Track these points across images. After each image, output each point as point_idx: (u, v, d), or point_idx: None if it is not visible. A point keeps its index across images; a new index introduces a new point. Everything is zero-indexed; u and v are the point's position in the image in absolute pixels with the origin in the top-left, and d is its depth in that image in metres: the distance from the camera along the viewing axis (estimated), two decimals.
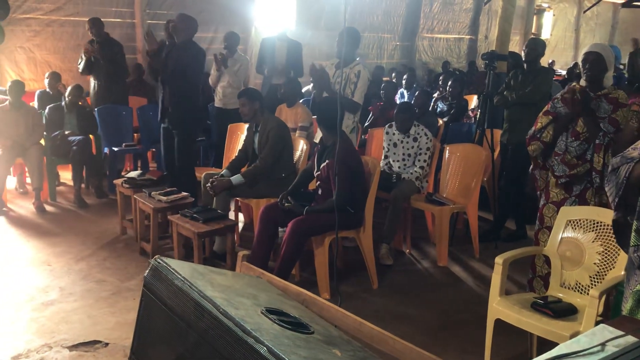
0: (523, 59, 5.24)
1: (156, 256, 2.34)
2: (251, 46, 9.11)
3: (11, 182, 6.24)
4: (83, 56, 6.70)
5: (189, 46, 5.01)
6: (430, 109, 6.90)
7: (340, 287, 3.82)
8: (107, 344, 3.22)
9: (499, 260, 3.03)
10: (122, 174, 6.01)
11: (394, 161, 5.01)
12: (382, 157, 5.09)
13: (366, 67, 4.85)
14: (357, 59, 5.03)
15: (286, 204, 4.06)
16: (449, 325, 3.68)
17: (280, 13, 9.56)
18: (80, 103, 6.43)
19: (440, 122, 6.51)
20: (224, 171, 4.71)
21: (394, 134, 5.02)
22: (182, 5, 8.06)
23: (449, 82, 7.41)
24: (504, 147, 5.25)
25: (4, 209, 5.60)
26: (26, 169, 6.12)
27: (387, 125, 5.14)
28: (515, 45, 12.50)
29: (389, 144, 5.06)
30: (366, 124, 6.73)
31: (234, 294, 2.23)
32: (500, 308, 2.94)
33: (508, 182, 5.21)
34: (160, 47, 5.14)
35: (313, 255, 3.95)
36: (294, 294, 2.55)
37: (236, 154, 4.99)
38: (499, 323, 2.97)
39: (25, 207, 5.78)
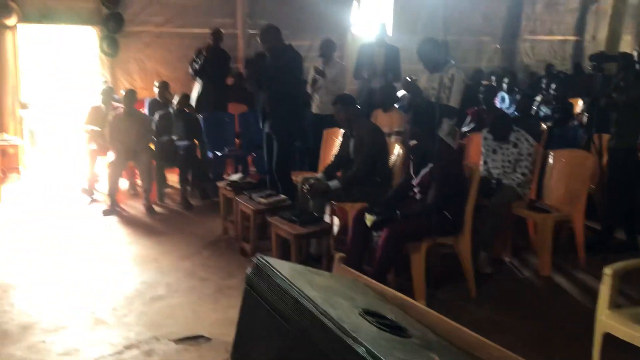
0: (636, 60, 4.93)
1: (258, 254, 2.42)
2: (347, 52, 9.19)
3: (123, 184, 6.67)
4: (197, 59, 7.06)
5: (284, 52, 5.13)
6: (532, 113, 6.65)
7: (436, 295, 3.77)
8: (209, 339, 3.37)
9: (607, 270, 2.87)
10: (224, 177, 6.28)
11: (493, 168, 4.87)
12: (481, 163, 4.97)
13: (460, 70, 4.77)
14: (452, 62, 4.96)
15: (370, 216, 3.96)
16: (552, 337, 3.53)
17: (377, 18, 9.59)
18: (186, 110, 6.78)
19: (544, 126, 6.26)
20: (319, 175, 4.79)
21: (493, 140, 4.89)
22: (281, 15, 8.29)
23: (553, 85, 7.11)
24: (613, 152, 4.96)
25: (117, 209, 6.00)
26: (137, 172, 6.53)
27: (484, 130, 5.01)
28: (627, 45, 11.77)
29: (487, 150, 4.92)
30: (464, 129, 6.60)
31: (332, 294, 2.26)
32: (610, 322, 2.79)
33: (617, 189, 4.91)
34: (257, 55, 5.32)
35: (409, 261, 3.93)
36: (391, 297, 2.54)
37: (332, 159, 5.05)
38: (608, 338, 2.81)
39: (135, 208, 6.17)
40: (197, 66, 7.14)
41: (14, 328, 3.48)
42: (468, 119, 6.75)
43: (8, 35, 7.49)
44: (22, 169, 7.57)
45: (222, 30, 7.40)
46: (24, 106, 7.83)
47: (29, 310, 3.72)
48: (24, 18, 7.54)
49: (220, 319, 3.63)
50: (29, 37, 8.22)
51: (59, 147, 8.83)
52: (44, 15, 7.67)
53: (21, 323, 3.55)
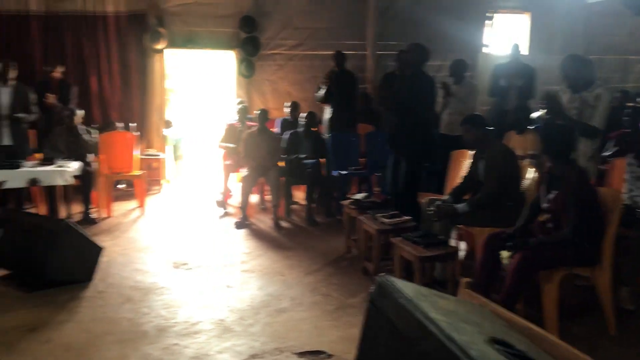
0: None
1: (381, 274, 2.41)
2: (479, 72, 8.97)
3: (254, 199, 6.97)
4: (322, 86, 7.26)
5: (419, 76, 5.12)
6: None
7: (570, 328, 3.52)
8: (330, 356, 3.39)
9: None
10: (349, 196, 6.34)
11: (638, 196, 4.49)
12: (626, 190, 4.60)
13: (609, 90, 4.47)
14: (597, 82, 4.66)
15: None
16: None
17: (511, 37, 9.29)
18: (314, 129, 6.97)
19: None
20: (446, 197, 4.68)
21: (638, 166, 4.51)
22: (411, 36, 8.29)
23: None
24: None
25: (247, 222, 6.27)
26: (267, 188, 6.79)
27: (630, 156, 4.63)
28: None
29: (632, 177, 4.54)
30: (606, 153, 6.14)
31: (458, 319, 2.20)
32: None
33: None
34: (388, 77, 5.35)
35: (540, 290, 3.71)
36: (520, 327, 2.41)
37: (460, 181, 4.93)
38: None
39: (264, 222, 6.41)
40: (322, 93, 7.30)
41: (151, 330, 3.74)
42: (611, 143, 6.29)
43: (157, 58, 8.18)
44: (164, 182, 8.19)
45: (345, 52, 7.53)
46: (167, 124, 8.48)
47: (164, 314, 3.98)
48: (171, 43, 8.20)
49: (341, 336, 3.65)
50: (174, 61, 8.93)
51: (197, 162, 9.46)
52: (189, 41, 8.30)
53: (158, 325, 3.80)
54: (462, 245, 5.28)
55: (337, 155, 7.02)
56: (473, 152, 4.79)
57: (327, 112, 7.46)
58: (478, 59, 9.18)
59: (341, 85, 7.25)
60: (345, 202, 5.48)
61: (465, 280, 2.80)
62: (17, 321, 3.80)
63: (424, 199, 4.93)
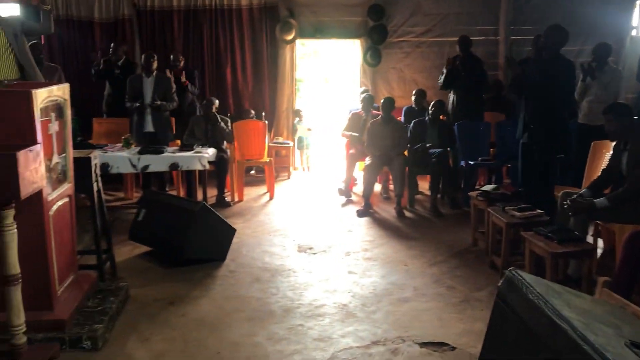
0: None
1: (511, 268, 2.32)
2: (625, 57, 8.27)
3: (377, 187, 6.98)
4: (444, 70, 7.06)
5: (557, 59, 4.83)
6: None
7: None
8: (454, 348, 3.33)
9: None
10: (477, 187, 6.16)
11: None
12: None
13: None
14: None
15: None
16: None
17: None
18: (441, 117, 6.82)
19: None
20: (583, 191, 4.39)
21: None
22: (547, 20, 7.82)
23: None
24: None
25: (370, 210, 6.30)
26: (390, 177, 6.77)
27: None
28: None
29: None
30: None
31: (593, 319, 2.06)
32: None
33: None
34: (522, 62, 5.09)
35: None
36: None
37: (599, 174, 4.59)
38: None
39: (387, 211, 6.41)
40: (442, 80, 7.09)
41: (278, 309, 3.89)
42: None
43: (287, 49, 8.42)
44: (291, 169, 8.45)
45: (470, 37, 7.24)
46: (296, 113, 8.72)
47: (290, 295, 4.13)
48: (301, 34, 8.40)
49: (466, 329, 3.57)
50: (302, 50, 9.14)
51: (323, 150, 9.64)
52: (318, 30, 8.45)
53: (284, 306, 3.95)
54: (600, 243, 4.95)
55: (465, 145, 6.82)
56: (615, 143, 4.44)
57: (450, 99, 7.25)
58: (625, 43, 8.45)
59: (466, 71, 7.00)
60: (473, 194, 5.32)
61: (604, 279, 2.61)
62: (158, 294, 4.12)
63: (560, 192, 4.66)
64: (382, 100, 6.84)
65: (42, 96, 3.24)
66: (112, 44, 7.43)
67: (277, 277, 4.49)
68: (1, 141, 3.04)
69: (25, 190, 2.77)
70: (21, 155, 2.72)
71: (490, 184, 5.65)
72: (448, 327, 3.61)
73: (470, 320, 3.69)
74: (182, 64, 7.36)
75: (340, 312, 3.84)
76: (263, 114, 8.10)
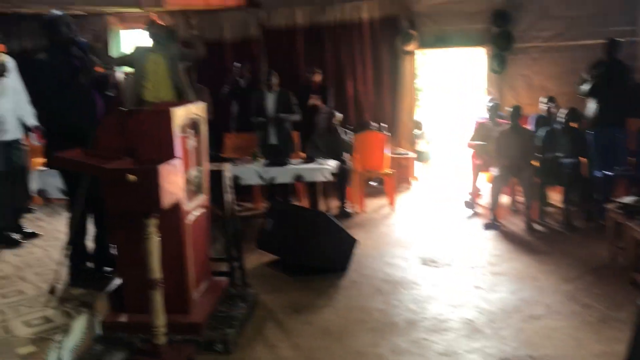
0: None
1: None
2: None
3: (504, 199, 6.71)
4: (587, 78, 6.63)
5: None
6: None
7: None
8: None
9: None
10: (614, 199, 5.71)
11: None
12: None
13: None
14: None
15: None
16: None
17: None
18: (574, 125, 6.44)
19: None
20: None
21: None
22: None
23: None
24: None
25: (497, 223, 6.07)
26: (518, 189, 6.48)
27: None
28: None
29: None
30: None
31: None
32: None
33: None
34: None
35: None
36: None
37: None
38: None
39: (515, 224, 6.14)
40: (586, 87, 6.66)
41: (401, 322, 3.86)
42: None
43: (407, 60, 8.39)
44: (412, 180, 8.37)
45: (620, 40, 6.75)
46: (417, 124, 8.64)
47: (413, 308, 4.08)
48: (422, 44, 8.33)
49: (603, 351, 3.33)
50: (423, 60, 9.05)
51: (446, 161, 9.46)
52: (439, 40, 8.33)
53: (407, 318, 3.91)
54: None
55: (601, 154, 6.36)
56: None
57: (592, 107, 6.80)
58: None
59: (611, 77, 6.54)
60: (610, 206, 4.96)
61: None
62: (284, 301, 4.25)
63: None
64: (510, 109, 6.58)
65: (181, 114, 3.49)
66: (237, 64, 7.85)
67: (399, 289, 4.46)
68: (145, 156, 3.32)
69: (166, 201, 3.00)
70: (162, 168, 2.95)
71: (630, 196, 5.23)
72: (584, 348, 3.38)
73: (608, 341, 3.44)
74: (317, 77, 7.57)
75: (466, 328, 3.74)
76: (384, 125, 8.11)
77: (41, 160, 5.91)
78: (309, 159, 6.40)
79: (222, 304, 3.92)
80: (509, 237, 5.77)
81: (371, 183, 8.26)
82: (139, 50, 5.67)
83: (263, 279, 4.71)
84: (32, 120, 4.93)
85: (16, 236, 4.89)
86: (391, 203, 7.10)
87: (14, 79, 4.81)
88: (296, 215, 5.09)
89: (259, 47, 8.54)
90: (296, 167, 6.14)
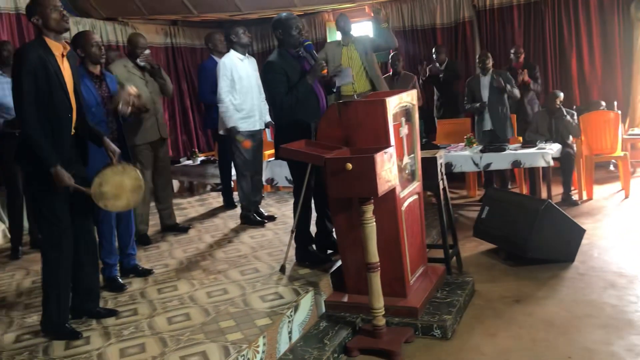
0: None
1: None
2: None
3: None
4: None
5: None
6: None
7: None
8: None
9: None
10: None
11: None
12: None
13: None
14: None
15: None
16: None
17: None
18: None
19: None
20: None
21: None
22: None
23: None
24: None
25: None
26: None
27: None
28: None
29: None
30: None
31: None
32: None
33: None
34: None
35: None
36: None
37: None
38: None
39: None
40: None
41: (638, 320, 3.48)
42: None
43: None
44: None
45: None
46: None
47: None
48: None
49: None
50: None
51: None
52: None
53: None
54: None
55: None
56: None
57: None
58: None
59: None
60: None
61: None
62: (504, 291, 4.11)
63: None
64: None
65: (394, 103, 3.57)
66: (434, 49, 7.76)
67: (635, 284, 4.02)
68: (361, 144, 3.46)
69: (382, 188, 3.10)
70: (378, 157, 3.05)
71: None
72: None
73: None
74: (522, 58, 7.21)
75: None
76: (615, 103, 7.33)
77: (269, 151, 6.53)
78: (528, 143, 6.06)
79: (438, 290, 3.93)
80: None
81: (601, 167, 7.54)
82: (331, 45, 5.89)
83: (480, 268, 4.61)
84: (268, 117, 5.50)
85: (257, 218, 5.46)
86: (625, 189, 6.41)
87: (257, 78, 5.34)
88: (515, 203, 4.87)
89: (472, 29, 8.31)
90: (514, 153, 5.86)
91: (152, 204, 5.41)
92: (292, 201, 4.30)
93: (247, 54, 5.32)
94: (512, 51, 7.35)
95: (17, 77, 3.00)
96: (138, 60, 4.84)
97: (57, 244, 3.16)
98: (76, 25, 7.00)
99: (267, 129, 5.66)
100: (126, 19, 7.84)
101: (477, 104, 6.53)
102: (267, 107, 5.45)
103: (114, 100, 3.84)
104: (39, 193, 3.15)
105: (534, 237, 4.45)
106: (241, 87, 5.15)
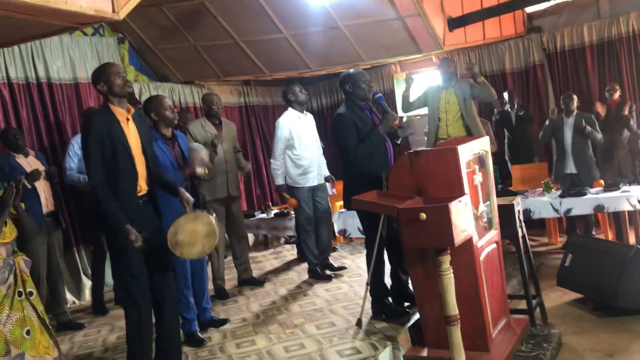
0: None
1: None
2: None
3: None
4: None
5: None
6: None
7: None
8: None
9: None
10: None
11: None
12: None
13: None
14: None
15: None
16: None
17: None
18: None
19: None
20: None
21: None
22: None
23: None
24: None
25: None
26: None
27: None
28: None
29: None
30: None
31: None
32: None
33: None
34: None
35: None
36: None
37: None
38: None
39: None
40: None
41: None
42: None
43: None
44: None
45: None
46: None
47: None
48: None
49: None
50: None
51: None
52: None
53: None
54: None
55: None
56: None
57: None
58: None
59: None
60: None
61: None
62: (593, 344, 3.88)
63: None
64: None
65: (466, 150, 3.53)
66: (506, 93, 7.66)
67: None
68: (434, 193, 3.43)
69: (458, 238, 3.04)
70: (453, 205, 3.00)
71: None
72: None
73: None
74: (615, 95, 6.97)
75: None
76: None
77: (340, 203, 6.56)
78: (611, 186, 5.79)
79: (523, 343, 3.75)
80: None
81: None
82: (432, 89, 5.93)
83: (566, 319, 4.38)
84: (326, 171, 5.61)
85: (327, 273, 5.46)
86: None
87: (316, 133, 5.49)
88: (601, 249, 4.63)
89: (543, 73, 8.16)
90: (596, 197, 5.61)
91: (228, 258, 5.52)
92: (365, 252, 4.28)
93: (304, 112, 5.47)
94: (607, 89, 7.11)
95: (85, 144, 3.20)
96: (214, 140, 4.96)
97: (136, 301, 3.28)
98: (156, 89, 7.41)
99: (327, 183, 5.74)
100: (202, 81, 8.23)
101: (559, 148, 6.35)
102: (324, 161, 5.60)
103: (190, 165, 4.02)
104: (115, 253, 3.31)
105: (624, 286, 4.20)
106: (300, 144, 5.31)
